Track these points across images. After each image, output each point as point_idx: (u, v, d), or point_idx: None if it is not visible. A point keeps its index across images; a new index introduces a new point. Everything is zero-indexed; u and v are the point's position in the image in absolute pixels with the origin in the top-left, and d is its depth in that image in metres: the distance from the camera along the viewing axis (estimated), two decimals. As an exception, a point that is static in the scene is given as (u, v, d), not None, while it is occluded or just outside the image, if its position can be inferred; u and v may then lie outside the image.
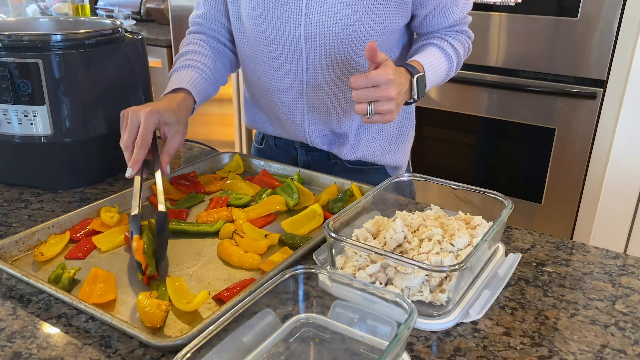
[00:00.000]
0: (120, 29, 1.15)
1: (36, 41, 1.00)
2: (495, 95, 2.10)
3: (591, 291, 0.77)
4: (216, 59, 1.14)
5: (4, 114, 1.02)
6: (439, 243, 0.75)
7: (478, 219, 0.83)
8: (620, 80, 1.86)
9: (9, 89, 1.00)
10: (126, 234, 0.88)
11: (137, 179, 0.90)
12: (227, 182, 1.08)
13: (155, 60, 2.91)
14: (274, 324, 0.65)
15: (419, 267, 0.67)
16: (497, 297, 0.75)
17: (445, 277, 0.70)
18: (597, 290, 0.77)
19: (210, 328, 0.56)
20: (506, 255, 0.84)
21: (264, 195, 1.02)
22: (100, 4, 3.50)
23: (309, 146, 1.18)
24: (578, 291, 0.77)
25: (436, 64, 1.03)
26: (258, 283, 0.73)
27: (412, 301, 0.70)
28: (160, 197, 0.88)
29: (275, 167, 1.15)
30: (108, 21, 1.26)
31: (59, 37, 1.02)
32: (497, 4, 1.99)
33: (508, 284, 0.78)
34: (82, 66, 1.04)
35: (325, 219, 0.95)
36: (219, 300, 0.74)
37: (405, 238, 0.77)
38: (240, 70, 1.23)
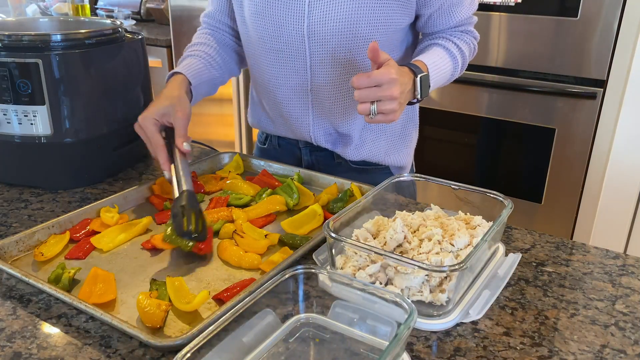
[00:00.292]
0: (120, 29, 1.15)
1: (36, 41, 1.00)
2: (495, 95, 2.10)
3: (591, 291, 0.77)
4: (220, 50, 1.16)
5: (4, 114, 1.02)
6: (439, 243, 0.75)
7: (478, 219, 0.83)
8: (620, 80, 1.86)
9: (9, 89, 1.00)
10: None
11: (172, 168, 0.94)
12: (227, 182, 1.08)
13: (155, 60, 2.91)
14: (274, 324, 0.65)
15: (419, 267, 0.67)
16: (497, 297, 0.75)
17: (445, 277, 0.70)
18: (597, 290, 0.77)
19: (210, 328, 0.56)
20: (506, 255, 0.84)
21: (264, 195, 1.02)
22: (100, 4, 3.50)
23: (313, 146, 1.17)
24: (578, 291, 0.77)
25: (440, 64, 1.03)
26: (258, 283, 0.73)
27: (412, 301, 0.69)
28: (181, 179, 0.91)
29: (275, 167, 1.15)
30: (108, 21, 1.26)
31: (59, 37, 1.02)
32: (497, 4, 1.99)
33: (508, 284, 0.78)
34: (82, 66, 1.04)
35: (325, 219, 0.95)
36: (219, 300, 0.74)
37: (405, 238, 0.77)
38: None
